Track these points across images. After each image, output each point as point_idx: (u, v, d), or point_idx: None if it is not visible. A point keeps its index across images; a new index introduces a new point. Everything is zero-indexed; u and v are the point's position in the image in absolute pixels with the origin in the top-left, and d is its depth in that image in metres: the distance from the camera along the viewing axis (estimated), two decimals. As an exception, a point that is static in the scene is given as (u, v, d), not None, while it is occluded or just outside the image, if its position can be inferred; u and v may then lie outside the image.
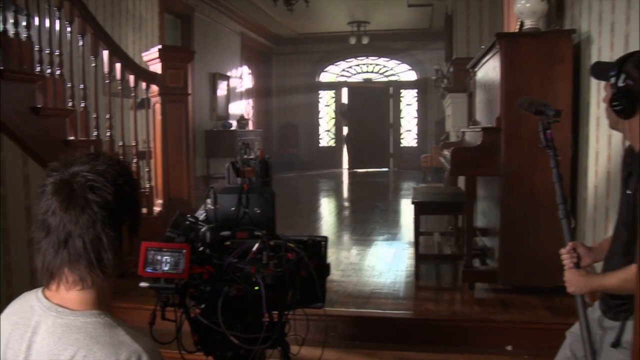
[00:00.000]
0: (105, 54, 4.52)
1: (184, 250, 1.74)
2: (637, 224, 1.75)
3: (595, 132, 3.49)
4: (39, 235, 1.23)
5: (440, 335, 3.40)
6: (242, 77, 12.72)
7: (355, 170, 13.92)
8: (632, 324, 1.62)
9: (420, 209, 4.55)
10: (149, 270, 1.73)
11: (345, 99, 14.78)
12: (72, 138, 4.15)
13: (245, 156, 2.31)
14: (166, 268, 1.73)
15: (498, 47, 3.73)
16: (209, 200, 2.21)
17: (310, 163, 14.78)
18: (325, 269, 2.24)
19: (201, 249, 1.97)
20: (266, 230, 2.11)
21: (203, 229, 1.97)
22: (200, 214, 2.22)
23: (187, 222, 1.92)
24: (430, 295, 3.97)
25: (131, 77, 4.72)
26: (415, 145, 14.72)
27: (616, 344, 1.83)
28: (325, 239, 2.27)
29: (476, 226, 4.71)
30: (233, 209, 2.22)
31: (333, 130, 15.27)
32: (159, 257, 1.74)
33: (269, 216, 2.23)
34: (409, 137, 14.96)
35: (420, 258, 4.50)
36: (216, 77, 11.09)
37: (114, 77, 4.63)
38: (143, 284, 1.77)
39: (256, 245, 1.99)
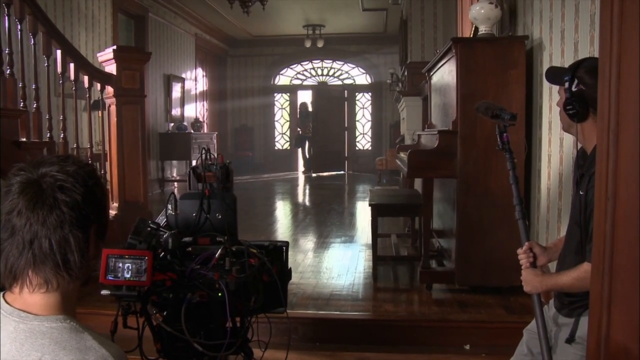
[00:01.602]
0: (58, 53, 4.42)
1: (146, 257, 1.72)
2: (588, 224, 1.82)
3: (548, 135, 3.59)
4: (3, 236, 1.19)
5: (400, 336, 3.43)
6: (196, 79, 12.59)
7: (309, 173, 13.90)
8: (586, 320, 1.68)
9: (378, 211, 4.59)
10: (111, 278, 1.70)
11: (300, 102, 14.76)
12: (24, 140, 4.02)
13: (207, 161, 2.29)
14: (128, 275, 1.70)
15: (454, 52, 3.79)
16: (169, 206, 2.19)
17: (266, 166, 14.73)
18: (287, 273, 2.25)
19: (163, 255, 1.95)
20: (228, 236, 2.10)
21: (165, 236, 1.95)
22: (161, 220, 2.19)
23: (149, 229, 1.89)
24: (388, 297, 4.00)
25: (85, 78, 4.63)
26: (370, 148, 14.84)
27: (570, 340, 1.90)
28: (286, 244, 2.28)
29: (433, 228, 4.77)
30: (194, 214, 2.20)
31: (288, 133, 15.24)
32: (120, 265, 1.71)
33: (231, 222, 2.22)
34: (363, 140, 15.08)
35: (378, 260, 4.54)
36: (170, 79, 10.94)
37: (67, 78, 4.53)
38: (104, 292, 1.73)
39: (219, 251, 1.98)
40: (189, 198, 2.24)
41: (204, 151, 2.31)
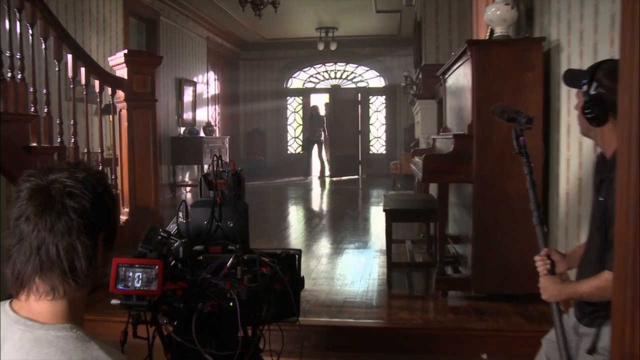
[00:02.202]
0: (69, 57, 4.45)
1: (157, 266, 1.71)
2: (609, 231, 1.79)
3: (566, 139, 3.55)
4: (11, 242, 1.20)
5: (415, 344, 3.40)
6: (208, 83, 12.65)
7: (324, 177, 13.89)
8: (608, 330, 1.65)
9: (392, 216, 4.57)
10: (121, 287, 1.70)
11: (311, 106, 14.75)
12: (34, 144, 4.06)
13: (218, 169, 2.29)
14: (138, 285, 1.70)
15: (469, 54, 3.77)
16: (180, 214, 2.19)
17: (278, 170, 14.75)
18: (299, 282, 2.24)
19: (174, 264, 1.95)
20: (240, 244, 2.09)
21: (176, 244, 1.94)
22: (172, 228, 2.19)
23: (159, 237, 1.89)
24: (403, 304, 3.97)
25: (96, 82, 4.66)
26: (384, 152, 14.82)
27: (592, 351, 1.86)
28: (298, 252, 2.26)
29: (448, 233, 4.74)
30: (206, 222, 2.19)
31: (301, 137, 15.26)
32: (130, 274, 1.71)
33: (243, 230, 2.21)
34: (377, 144, 15.06)
35: (392, 266, 4.50)
36: (182, 83, 11.00)
37: (78, 82, 4.56)
38: (114, 302, 1.73)
39: (230, 260, 1.97)
40: (201, 206, 2.23)
41: (215, 158, 2.31)
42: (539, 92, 3.67)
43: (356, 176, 14.34)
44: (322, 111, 14.38)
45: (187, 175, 11.32)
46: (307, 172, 13.95)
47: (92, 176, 1.25)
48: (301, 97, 15.33)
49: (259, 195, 10.48)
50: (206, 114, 12.48)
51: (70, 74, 4.47)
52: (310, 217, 8.62)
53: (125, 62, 4.74)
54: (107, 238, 1.29)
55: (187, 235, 2.17)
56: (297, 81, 15.45)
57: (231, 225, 2.21)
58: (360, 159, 14.73)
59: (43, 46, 4.28)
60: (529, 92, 3.67)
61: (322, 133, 14.13)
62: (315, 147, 14.06)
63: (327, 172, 14.10)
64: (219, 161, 2.31)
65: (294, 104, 15.42)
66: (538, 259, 2.05)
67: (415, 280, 4.59)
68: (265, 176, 14.12)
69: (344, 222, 7.58)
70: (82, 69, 4.54)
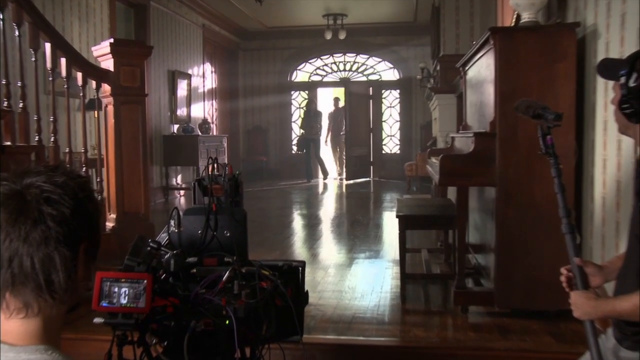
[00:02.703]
0: (48, 46, 4.43)
1: (145, 281, 1.72)
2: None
3: (603, 137, 3.52)
4: None
5: (431, 366, 3.39)
6: (204, 76, 12.67)
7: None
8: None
9: (406, 223, 4.54)
10: (105, 304, 1.70)
11: (307, 100, 14.72)
12: (8, 143, 4.05)
13: (214, 172, 2.30)
14: (124, 301, 1.70)
15: (492, 43, 3.74)
16: (172, 222, 2.19)
17: (282, 172, 14.76)
18: (303, 297, 2.24)
19: (164, 278, 1.94)
20: (237, 256, 2.10)
21: (166, 256, 1.95)
22: (163, 238, 2.20)
23: (149, 248, 1.89)
24: (419, 320, 3.95)
25: (79, 75, 4.65)
26: (398, 152, 14.80)
27: (635, 378, 1.83)
28: (302, 263, 2.27)
29: (469, 242, 4.72)
30: (200, 232, 2.21)
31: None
32: (116, 289, 1.70)
33: (240, 240, 2.23)
34: (391, 143, 15.04)
35: (406, 278, 4.48)
36: (175, 76, 11.02)
37: (58, 74, 4.55)
38: (97, 320, 1.73)
39: (226, 274, 1.98)
40: (194, 213, 2.25)
41: (210, 161, 2.31)
42: (572, 85, 3.63)
43: (367, 178, 14.31)
44: (333, 106, 14.37)
45: (181, 177, 11.33)
46: (309, 174, 13.93)
47: (73, 180, 1.23)
48: (307, 92, 15.33)
49: (260, 200, 10.49)
50: (202, 110, 12.50)
51: (49, 65, 4.45)
52: (317, 223, 8.60)
53: (112, 52, 4.73)
54: (89, 249, 1.27)
55: (180, 246, 2.19)
56: (302, 74, 15.46)
57: (228, 234, 2.24)
58: (371, 160, 14.71)
59: (17, 33, 4.23)
60: (560, 85, 3.63)
61: (319, 131, 14.11)
62: (312, 146, 14.00)
63: (326, 174, 14.10)
64: (215, 164, 2.31)
65: (299, 99, 15.43)
66: (563, 273, 2.02)
67: (432, 293, 4.57)
68: (267, 178, 14.13)
69: (354, 229, 7.58)
70: (63, 60, 4.52)
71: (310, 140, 13.98)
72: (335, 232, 7.63)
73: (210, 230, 2.21)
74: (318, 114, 14.17)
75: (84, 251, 1.25)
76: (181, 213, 2.27)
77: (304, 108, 14.46)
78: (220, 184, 2.28)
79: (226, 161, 10.96)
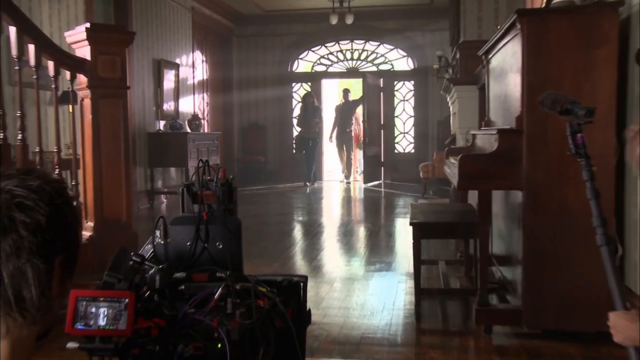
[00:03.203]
0: (12, 31, 4.42)
1: (126, 299, 1.71)
2: None
3: (648, 133, 3.48)
4: None
5: (450, 394, 3.37)
6: (194, 66, 12.69)
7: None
8: None
9: (421, 231, 4.53)
10: (80, 327, 1.69)
11: (303, 94, 14.72)
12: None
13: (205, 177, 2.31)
14: (103, 323, 1.70)
15: (519, 28, 3.73)
16: (158, 233, 2.20)
17: (281, 173, 14.81)
18: (304, 316, 2.25)
19: (149, 296, 1.96)
20: (231, 271, 2.11)
21: (151, 271, 1.96)
22: (147, 250, 2.20)
23: (131, 262, 1.89)
24: (436, 341, 3.96)
25: (50, 64, 4.64)
26: (413, 151, 14.82)
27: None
28: (304, 278, 2.29)
29: (492, 253, 4.71)
30: (189, 243, 2.22)
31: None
32: (93, 309, 1.70)
33: (234, 252, 2.26)
34: (404, 141, 15.04)
35: (422, 293, 4.48)
36: (161, 65, 11.05)
37: (25, 63, 4.53)
38: (71, 345, 1.72)
39: (219, 291, 1.99)
40: (182, 223, 2.29)
41: (201, 163, 2.33)
42: (612, 74, 3.61)
43: (378, 181, 14.29)
44: (343, 98, 14.37)
45: (168, 180, 11.34)
46: (309, 177, 13.95)
47: (49, 185, 1.22)
48: (310, 84, 15.35)
49: (257, 205, 10.53)
50: (192, 105, 12.54)
51: (14, 52, 4.43)
52: (320, 231, 8.61)
53: (88, 38, 4.71)
54: (66, 263, 1.25)
55: (166, 259, 2.22)
56: (304, 63, 15.51)
57: (220, 246, 2.27)
58: (382, 160, 14.70)
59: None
60: (598, 75, 3.60)
61: (319, 129, 14.12)
62: (311, 146, 14.02)
63: (313, 180, 14.11)
64: (206, 167, 2.34)
65: (300, 92, 15.44)
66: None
67: (451, 311, 4.59)
68: (265, 181, 14.17)
69: (363, 238, 7.58)
70: (31, 46, 4.50)
71: (309, 139, 14.00)
72: (342, 241, 7.65)
73: (200, 241, 2.24)
74: (317, 109, 14.17)
75: (60, 264, 1.23)
76: (168, 222, 2.27)
77: (303, 102, 14.44)
78: (212, 189, 2.29)
79: (219, 162, 11.00)
